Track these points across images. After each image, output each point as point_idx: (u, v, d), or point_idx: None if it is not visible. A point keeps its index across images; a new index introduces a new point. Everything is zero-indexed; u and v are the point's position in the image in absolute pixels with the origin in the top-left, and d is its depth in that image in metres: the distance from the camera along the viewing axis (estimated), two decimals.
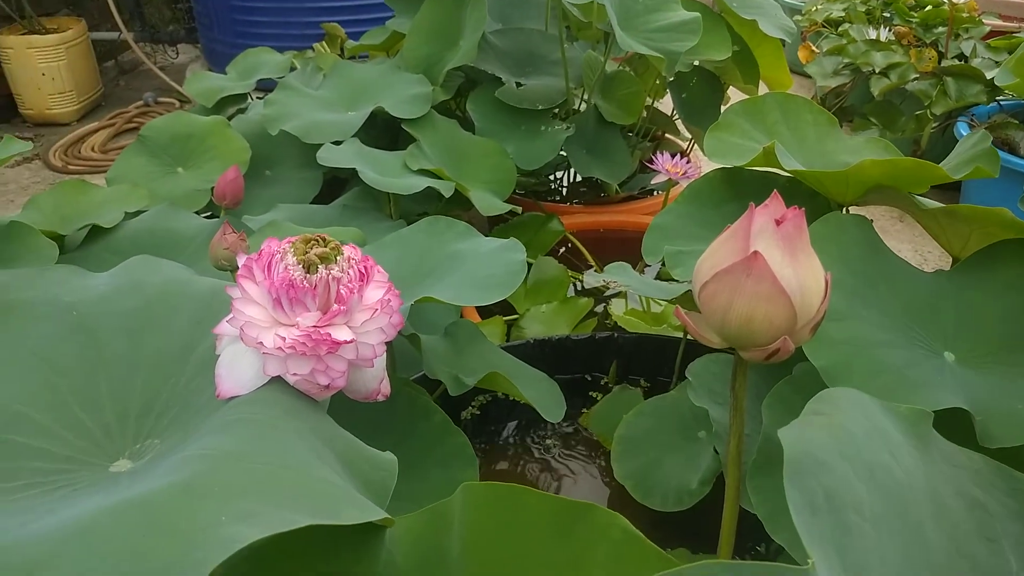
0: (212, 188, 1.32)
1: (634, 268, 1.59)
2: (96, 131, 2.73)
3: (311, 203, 1.40)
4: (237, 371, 0.47)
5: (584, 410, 1.09)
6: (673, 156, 1.45)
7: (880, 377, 0.61)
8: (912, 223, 2.21)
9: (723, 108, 1.82)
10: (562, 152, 1.57)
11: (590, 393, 1.13)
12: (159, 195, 1.28)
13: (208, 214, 1.37)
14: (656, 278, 1.56)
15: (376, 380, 0.52)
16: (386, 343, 0.51)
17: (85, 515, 0.35)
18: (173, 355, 0.56)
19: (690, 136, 1.89)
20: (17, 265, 0.86)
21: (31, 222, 1.05)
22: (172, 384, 0.54)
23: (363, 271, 0.49)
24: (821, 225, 0.75)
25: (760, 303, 0.40)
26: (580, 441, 1.07)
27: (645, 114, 1.76)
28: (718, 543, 0.88)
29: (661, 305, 1.44)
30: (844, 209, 0.91)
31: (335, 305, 0.47)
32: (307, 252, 0.47)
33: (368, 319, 0.49)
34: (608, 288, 1.53)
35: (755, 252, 0.40)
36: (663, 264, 0.98)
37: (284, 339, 0.46)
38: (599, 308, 1.44)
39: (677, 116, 1.85)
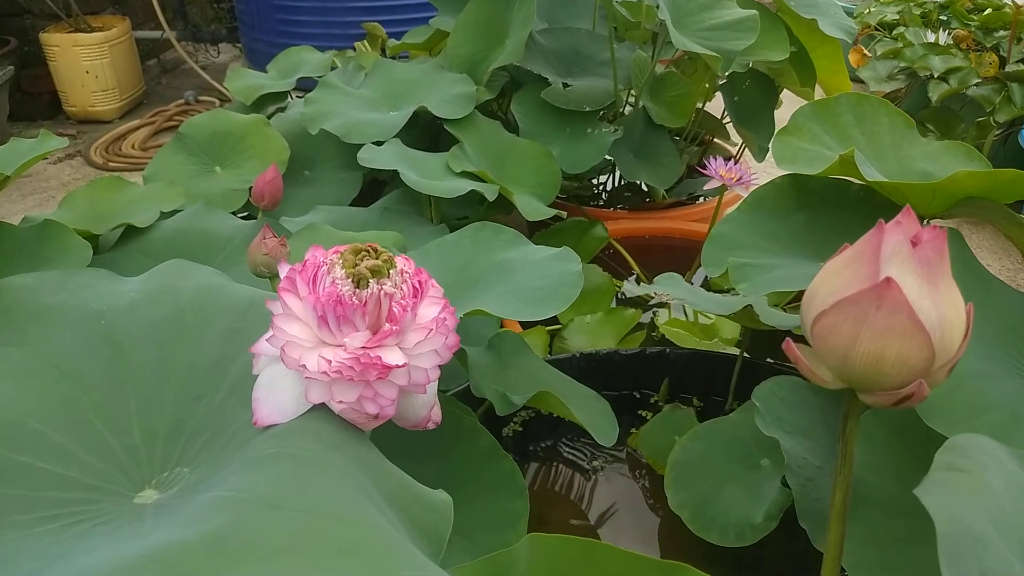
0: (250, 188, 1.29)
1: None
2: (137, 128, 2.73)
3: (350, 205, 1.36)
4: (276, 396, 0.42)
5: (633, 430, 1.03)
6: (726, 161, 1.39)
7: (988, 414, 0.54)
8: (984, 235, 2.11)
9: (776, 113, 1.74)
10: (607, 156, 1.51)
11: (639, 412, 1.06)
12: (195, 194, 1.24)
13: (245, 214, 1.34)
14: (703, 287, 1.49)
15: (427, 407, 0.47)
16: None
17: (101, 571, 0.31)
18: (205, 371, 0.51)
19: (740, 141, 1.82)
20: (52, 267, 0.83)
21: (66, 220, 1.02)
22: (205, 404, 0.49)
23: (417, 286, 0.44)
24: None
25: (893, 339, 0.34)
26: (628, 463, 1.01)
27: (694, 117, 1.69)
28: None
29: (711, 317, 1.37)
30: (925, 221, 0.84)
31: (387, 325, 0.42)
32: (357, 264, 0.42)
33: (422, 340, 0.43)
34: (652, 297, 1.47)
35: (887, 279, 0.34)
36: (709, 276, 0.92)
37: (330, 362, 0.41)
38: (645, 319, 1.37)
39: (727, 120, 1.78)
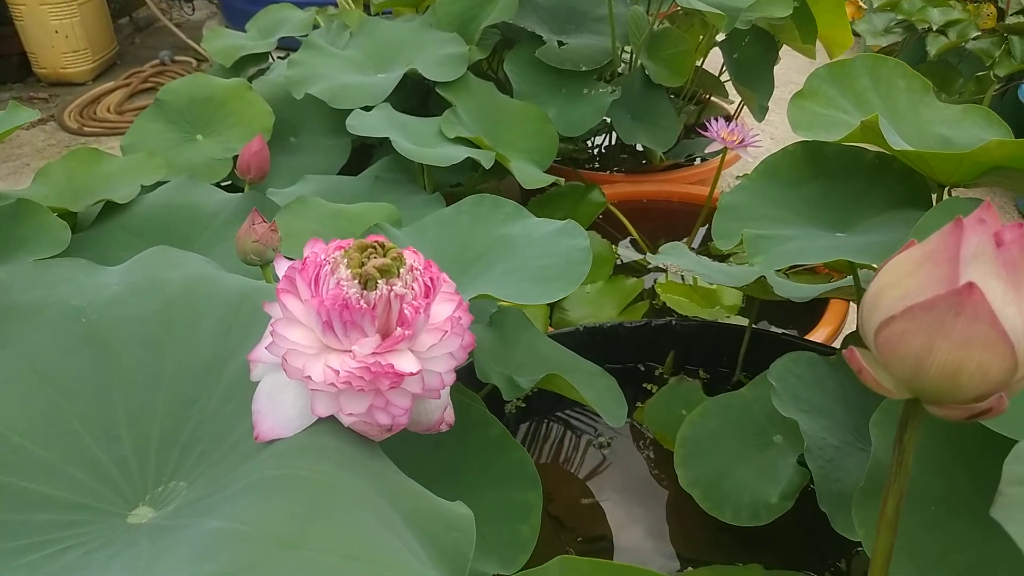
0: (234, 157, 1.23)
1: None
2: (112, 91, 2.63)
3: (339, 173, 1.31)
4: (279, 408, 0.39)
5: (638, 404, 1.00)
6: (727, 122, 1.34)
7: None
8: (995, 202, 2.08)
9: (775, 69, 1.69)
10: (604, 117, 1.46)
11: (644, 385, 1.04)
12: (177, 165, 1.19)
13: (229, 183, 1.28)
14: (704, 255, 1.46)
15: (440, 410, 0.44)
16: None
17: None
18: (198, 372, 0.48)
19: (738, 99, 1.77)
20: (26, 249, 0.78)
21: (41, 196, 0.97)
22: (199, 409, 0.45)
23: (429, 283, 0.40)
24: (938, 214, 0.65)
25: (973, 351, 0.31)
26: (634, 437, 0.99)
27: (692, 75, 1.64)
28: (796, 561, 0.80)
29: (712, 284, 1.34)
30: (947, 191, 0.81)
31: (398, 329, 0.38)
32: (364, 263, 0.38)
33: (436, 343, 0.40)
34: (648, 263, 1.43)
35: (969, 284, 0.30)
36: (721, 248, 0.88)
37: (337, 372, 0.37)
38: (647, 283, 1.34)
39: (726, 78, 1.73)
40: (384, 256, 0.39)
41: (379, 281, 0.38)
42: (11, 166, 2.25)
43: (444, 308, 0.41)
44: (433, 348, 0.40)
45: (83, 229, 0.96)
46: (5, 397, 0.44)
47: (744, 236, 0.78)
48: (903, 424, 0.37)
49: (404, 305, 0.38)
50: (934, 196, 0.83)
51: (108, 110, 2.53)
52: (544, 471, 0.94)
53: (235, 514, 0.33)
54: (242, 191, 1.09)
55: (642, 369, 1.06)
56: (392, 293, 0.38)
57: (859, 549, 0.81)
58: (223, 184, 1.25)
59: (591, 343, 1.02)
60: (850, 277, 1.00)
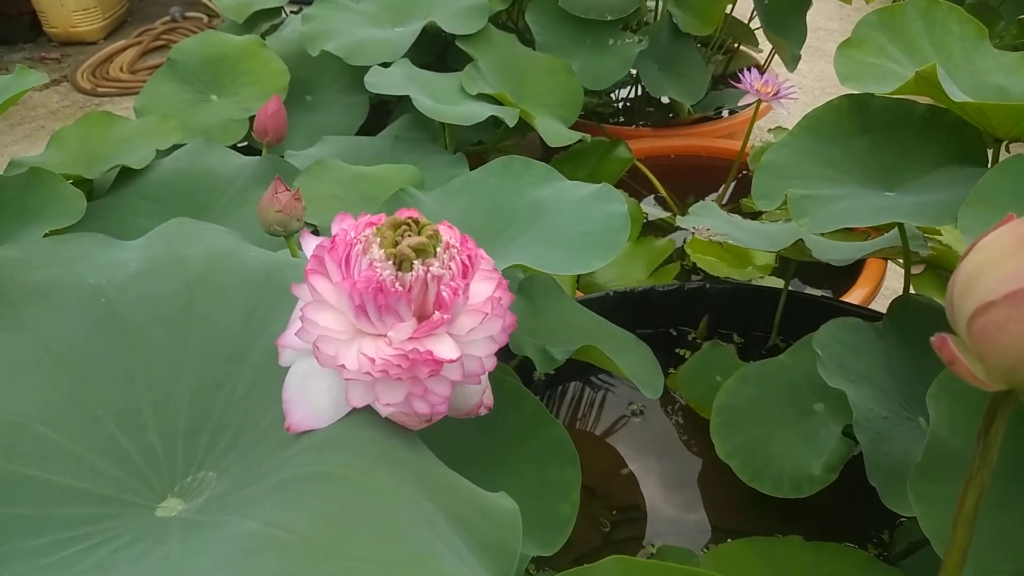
0: (250, 118, 1.20)
1: (702, 199, 1.44)
2: (123, 50, 2.59)
3: (357, 133, 1.27)
4: (311, 397, 0.36)
5: (671, 370, 0.98)
6: (760, 73, 1.28)
7: None
8: None
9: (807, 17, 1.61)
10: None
11: (676, 350, 1.01)
12: (192, 127, 1.15)
13: (245, 144, 1.25)
14: (735, 213, 1.41)
15: (479, 394, 0.41)
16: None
17: None
18: (223, 354, 0.45)
19: (768, 48, 1.70)
20: (41, 220, 0.76)
21: (55, 163, 0.94)
22: (226, 395, 0.43)
23: (467, 262, 0.37)
24: (1001, 174, 0.61)
25: None
26: (666, 405, 0.97)
27: (722, 23, 1.57)
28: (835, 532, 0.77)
29: None
30: (1005, 146, 0.76)
31: (436, 312, 0.35)
32: (398, 242, 0.35)
33: (476, 327, 0.37)
34: (675, 219, 1.39)
35: None
36: (762, 209, 0.84)
37: (373, 360, 0.34)
38: (667, 240, 1.30)
39: (756, 25, 1.65)
40: (419, 234, 0.36)
41: (415, 262, 0.35)
42: (26, 128, 2.22)
43: (483, 287, 0.39)
44: (473, 332, 0.37)
45: (99, 196, 0.93)
46: (25, 383, 0.42)
47: (788, 197, 0.74)
48: (990, 416, 0.34)
49: (442, 287, 0.36)
50: (989, 152, 0.78)
51: (121, 69, 2.49)
52: (574, 438, 0.92)
53: (270, 515, 0.31)
54: (259, 152, 1.06)
55: (674, 334, 1.03)
56: (429, 274, 0.35)
57: (902, 520, 0.79)
58: (239, 146, 1.22)
59: (621, 307, 0.99)
60: (886, 235, 0.96)
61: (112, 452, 0.41)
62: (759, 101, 1.26)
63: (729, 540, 0.78)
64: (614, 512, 0.84)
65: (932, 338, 0.31)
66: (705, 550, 0.80)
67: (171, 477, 0.40)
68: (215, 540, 0.32)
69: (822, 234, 1.26)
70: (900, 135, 0.80)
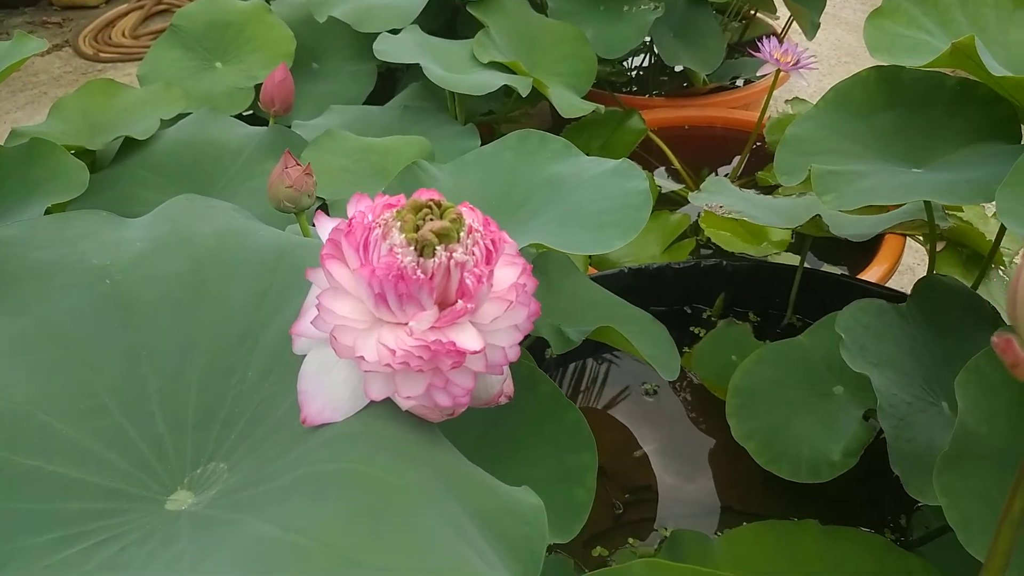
0: (255, 86, 1.17)
1: (716, 172, 1.41)
2: (126, 14, 2.54)
3: (365, 102, 1.24)
4: (328, 389, 0.35)
5: (685, 349, 0.96)
6: (780, 42, 1.24)
7: None
8: None
9: None
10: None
11: (691, 328, 0.99)
12: (196, 95, 1.13)
13: (251, 113, 1.22)
14: (749, 187, 1.38)
15: (499, 383, 0.40)
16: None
17: None
18: (233, 339, 0.43)
19: (785, 15, 1.65)
20: (42, 193, 0.74)
21: (57, 133, 0.92)
22: (237, 382, 0.42)
23: (490, 247, 0.35)
24: None
25: None
26: (680, 384, 0.95)
27: None
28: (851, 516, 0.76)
29: None
30: None
31: (459, 301, 0.34)
32: (419, 227, 0.33)
33: (500, 315, 0.35)
34: (688, 192, 1.36)
35: None
36: (784, 184, 0.81)
37: (393, 352, 0.33)
38: (681, 215, 1.27)
39: None
40: (442, 217, 0.34)
41: (437, 247, 0.33)
42: (28, 95, 2.19)
43: (507, 273, 0.37)
44: (497, 320, 0.35)
45: (103, 167, 0.91)
46: (27, 369, 0.41)
47: (812, 172, 0.71)
48: None
49: (465, 273, 0.34)
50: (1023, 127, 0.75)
51: (123, 34, 2.44)
52: (586, 417, 0.91)
53: (287, 517, 0.30)
54: (265, 122, 1.03)
55: (688, 311, 1.01)
56: (452, 261, 0.33)
57: (920, 506, 0.77)
58: (245, 115, 1.19)
59: (635, 285, 0.97)
60: (904, 208, 0.93)
61: (119, 442, 0.39)
62: (778, 71, 1.22)
63: (744, 523, 0.77)
64: (626, 495, 0.83)
65: (994, 338, 0.29)
66: (718, 534, 0.79)
67: (181, 469, 0.39)
68: (230, 543, 0.31)
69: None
70: (929, 110, 0.77)
